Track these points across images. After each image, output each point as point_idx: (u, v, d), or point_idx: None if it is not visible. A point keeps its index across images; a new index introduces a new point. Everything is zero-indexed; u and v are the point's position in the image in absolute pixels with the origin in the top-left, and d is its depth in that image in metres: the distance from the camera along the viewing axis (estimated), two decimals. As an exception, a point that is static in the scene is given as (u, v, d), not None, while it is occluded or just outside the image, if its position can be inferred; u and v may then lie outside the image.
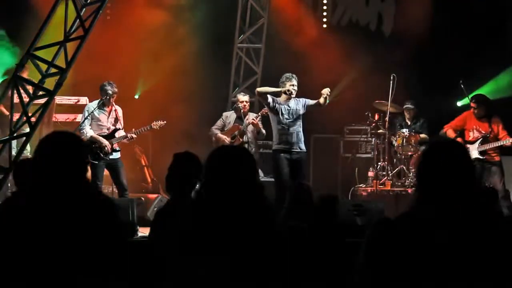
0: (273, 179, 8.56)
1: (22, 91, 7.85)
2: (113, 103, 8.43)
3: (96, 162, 8.14)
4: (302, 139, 8.20)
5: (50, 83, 7.94)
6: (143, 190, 10.31)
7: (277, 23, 11.57)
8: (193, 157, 4.12)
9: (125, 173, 8.41)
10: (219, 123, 9.34)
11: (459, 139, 8.61)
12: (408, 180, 9.86)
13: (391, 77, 9.67)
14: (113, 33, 10.46)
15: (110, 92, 8.27)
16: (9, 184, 7.86)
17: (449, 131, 8.94)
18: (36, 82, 7.92)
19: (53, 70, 7.89)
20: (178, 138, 9.73)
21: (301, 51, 10.97)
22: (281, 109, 8.14)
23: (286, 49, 11.11)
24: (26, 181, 4.50)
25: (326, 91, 8.07)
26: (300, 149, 8.16)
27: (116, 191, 8.55)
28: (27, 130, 7.86)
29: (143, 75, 11.34)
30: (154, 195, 9.61)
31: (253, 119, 8.92)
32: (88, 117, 8.32)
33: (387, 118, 9.89)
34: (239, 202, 2.61)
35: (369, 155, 10.70)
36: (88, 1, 7.85)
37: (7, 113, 8.17)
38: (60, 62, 7.90)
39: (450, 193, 2.34)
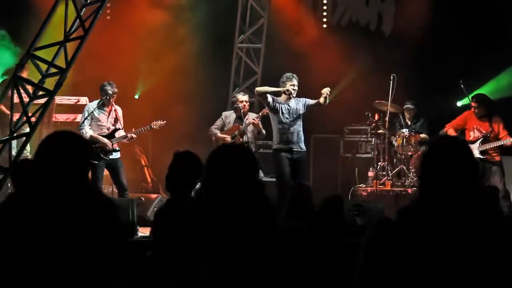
0: (273, 179, 8.57)
1: (22, 91, 7.85)
2: (113, 103, 8.43)
3: (96, 162, 8.14)
4: (303, 138, 8.22)
5: (50, 83, 7.94)
6: (143, 190, 10.31)
7: (277, 23, 11.57)
8: (193, 156, 4.11)
9: (125, 173, 8.41)
10: (218, 122, 9.33)
11: (460, 138, 8.57)
12: (408, 180, 9.86)
13: (391, 77, 9.67)
14: (113, 33, 10.46)
15: (110, 92, 8.27)
16: (9, 184, 7.86)
17: (450, 131, 8.93)
18: (36, 82, 7.92)
19: (53, 70, 7.89)
20: (178, 138, 9.73)
21: (301, 51, 10.97)
22: (281, 109, 8.15)
23: (286, 49, 11.11)
24: (25, 181, 4.50)
25: (326, 90, 8.08)
26: (301, 148, 8.18)
27: (116, 191, 8.55)
28: (27, 130, 7.86)
29: (143, 75, 11.34)
30: (154, 195, 9.61)
31: (253, 119, 8.92)
32: (88, 117, 8.32)
33: (387, 118, 9.89)
34: (239, 201, 2.61)
35: (369, 155, 10.70)
36: (88, 1, 7.85)
37: (8, 112, 8.17)
38: (60, 62, 7.90)
39: (451, 193, 2.34)
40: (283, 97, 8.22)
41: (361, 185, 10.11)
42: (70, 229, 2.65)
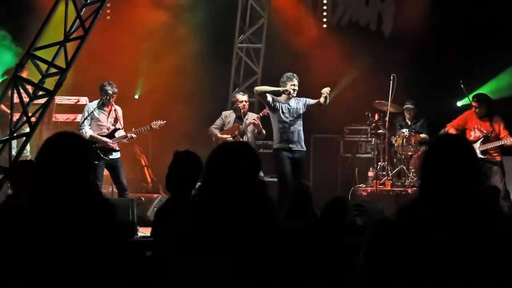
0: (273, 179, 8.56)
1: (22, 91, 7.85)
2: (113, 103, 8.43)
3: (96, 162, 8.14)
4: (303, 138, 8.24)
5: (50, 83, 7.94)
6: (143, 190, 10.31)
7: (277, 23, 11.57)
8: (193, 156, 4.11)
9: (125, 173, 8.40)
10: (218, 122, 9.33)
11: (462, 137, 8.56)
12: (408, 180, 9.86)
13: (391, 77, 9.67)
14: (113, 33, 10.47)
15: (110, 92, 8.27)
16: (9, 184, 7.86)
17: (451, 130, 8.94)
18: (36, 82, 7.92)
19: (53, 70, 7.90)
20: (178, 138, 9.73)
21: (301, 51, 10.97)
22: (281, 108, 8.15)
23: (286, 49, 11.11)
24: (24, 182, 4.50)
25: (326, 90, 8.09)
26: (302, 147, 8.20)
27: (116, 191, 8.55)
28: (27, 130, 7.86)
29: (143, 75, 11.34)
30: (154, 195, 9.61)
31: (254, 119, 8.92)
32: (88, 117, 8.32)
33: (387, 118, 9.90)
34: (240, 200, 2.61)
35: (369, 155, 10.70)
36: (88, 1, 7.85)
37: (8, 111, 8.17)
38: (60, 62, 7.91)
39: (451, 192, 2.34)
40: (283, 96, 8.23)
41: (361, 185, 10.11)
42: (70, 229, 2.65)
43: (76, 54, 7.83)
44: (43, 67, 7.88)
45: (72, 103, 9.97)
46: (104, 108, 8.40)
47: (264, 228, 2.60)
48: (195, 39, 10.96)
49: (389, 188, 9.85)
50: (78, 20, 7.82)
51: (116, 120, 8.45)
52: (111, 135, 8.35)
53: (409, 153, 9.96)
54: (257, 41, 11.94)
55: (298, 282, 2.70)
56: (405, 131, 9.83)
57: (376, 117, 10.24)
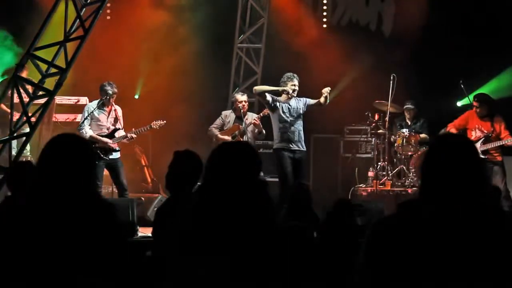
0: (273, 179, 8.57)
1: (22, 91, 7.85)
2: (113, 103, 8.42)
3: (96, 162, 8.14)
4: (303, 138, 8.24)
5: (50, 83, 7.94)
6: (143, 190, 10.30)
7: (277, 23, 11.57)
8: (193, 155, 4.11)
9: (125, 173, 8.40)
10: (218, 122, 9.33)
11: (464, 137, 8.56)
12: (408, 180, 9.86)
13: (391, 77, 9.67)
14: (113, 33, 10.47)
15: (110, 92, 8.26)
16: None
17: (451, 131, 8.95)
18: (36, 82, 7.92)
19: (53, 70, 7.90)
20: (178, 138, 9.73)
21: (301, 51, 10.97)
22: (282, 108, 8.16)
23: (286, 49, 11.11)
24: (22, 183, 4.50)
25: (326, 90, 8.10)
26: (302, 147, 8.20)
27: (116, 191, 8.55)
28: (27, 130, 7.86)
29: (143, 75, 11.34)
30: (154, 195, 9.60)
31: (254, 119, 8.92)
32: (88, 117, 8.32)
33: (387, 118, 9.90)
34: (240, 200, 2.61)
35: (369, 155, 10.70)
36: (88, 1, 7.86)
37: (8, 111, 8.18)
38: (60, 62, 7.91)
39: (452, 192, 2.33)
40: (284, 96, 8.23)
41: (361, 185, 10.11)
42: (70, 230, 2.65)
43: (76, 54, 7.83)
44: (43, 67, 7.88)
45: (72, 103, 9.97)
46: (104, 108, 8.39)
47: (264, 228, 2.60)
48: (195, 39, 10.96)
49: (389, 188, 9.85)
50: (78, 20, 7.82)
51: (116, 120, 8.45)
52: (111, 135, 8.35)
53: (409, 153, 9.96)
54: (257, 41, 11.94)
55: (298, 282, 2.70)
56: (405, 131, 9.82)
57: (376, 117, 10.24)
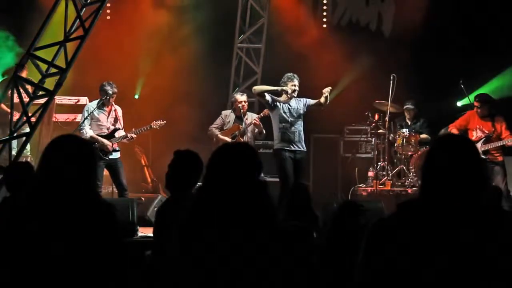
0: (273, 179, 8.56)
1: (22, 91, 7.86)
2: (113, 103, 8.42)
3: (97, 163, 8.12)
4: (303, 138, 8.24)
5: (50, 83, 7.94)
6: (143, 190, 10.30)
7: (277, 23, 11.57)
8: (194, 155, 4.10)
9: (124, 173, 8.39)
10: (218, 121, 9.34)
11: (465, 137, 8.59)
12: (408, 180, 9.87)
13: (391, 77, 9.68)
14: (113, 33, 10.47)
15: (110, 92, 8.26)
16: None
17: (453, 131, 8.97)
18: (36, 82, 7.93)
19: (53, 70, 7.91)
20: (178, 138, 9.73)
21: (301, 51, 10.97)
22: (282, 108, 8.15)
23: (286, 49, 11.11)
24: (20, 184, 4.50)
25: (327, 90, 8.09)
26: (303, 148, 8.20)
27: (116, 191, 8.55)
28: (27, 130, 7.86)
29: (143, 75, 11.34)
30: (154, 195, 9.60)
31: (255, 119, 8.92)
32: (88, 117, 8.31)
33: (387, 118, 9.90)
34: (240, 201, 2.61)
35: (369, 155, 10.70)
36: (88, 1, 7.86)
37: (8, 110, 8.18)
38: (60, 62, 7.91)
39: (452, 192, 2.34)
40: (284, 97, 8.23)
41: (361, 185, 10.11)
42: (69, 230, 2.66)
43: (76, 54, 7.84)
44: (43, 67, 7.88)
45: (72, 103, 9.97)
46: (104, 108, 8.39)
47: (264, 228, 2.60)
48: (195, 39, 10.96)
49: (389, 188, 9.85)
50: (78, 20, 7.82)
51: (116, 120, 8.45)
52: (111, 135, 8.34)
53: (409, 153, 9.96)
54: (257, 41, 11.94)
55: (298, 282, 2.70)
56: (405, 131, 9.83)
57: (376, 117, 10.24)
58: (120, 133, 8.42)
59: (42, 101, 8.03)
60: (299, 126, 8.19)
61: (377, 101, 10.24)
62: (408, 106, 10.15)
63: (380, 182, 9.91)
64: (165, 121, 8.69)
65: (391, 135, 10.05)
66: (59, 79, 7.86)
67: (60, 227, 2.65)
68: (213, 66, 11.08)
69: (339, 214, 4.67)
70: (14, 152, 7.97)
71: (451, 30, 11.02)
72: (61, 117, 9.84)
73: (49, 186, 2.71)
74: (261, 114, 8.85)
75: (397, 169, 10.15)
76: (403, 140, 9.79)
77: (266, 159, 9.03)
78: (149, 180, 10.63)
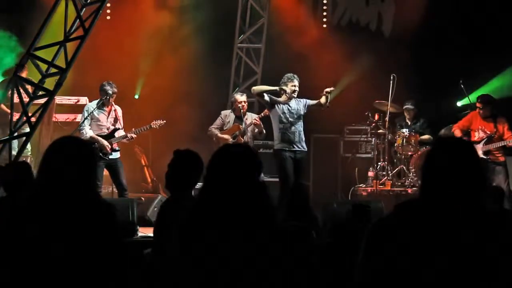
0: (273, 179, 8.56)
1: (22, 91, 7.86)
2: (113, 103, 8.42)
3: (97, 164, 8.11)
4: (304, 138, 8.23)
5: (50, 83, 7.94)
6: (143, 190, 10.30)
7: (277, 23, 11.57)
8: (194, 154, 4.09)
9: (124, 173, 8.39)
10: (218, 122, 9.33)
11: (464, 139, 8.64)
12: (408, 180, 9.87)
13: (391, 77, 9.68)
14: (113, 33, 10.47)
15: (109, 92, 8.26)
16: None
17: (456, 131, 9.01)
18: (36, 82, 7.93)
19: (53, 70, 7.91)
20: (178, 138, 9.72)
21: (301, 51, 10.97)
22: (282, 109, 8.15)
23: (286, 49, 11.11)
24: (18, 183, 4.49)
25: (327, 89, 8.09)
26: (303, 148, 8.19)
27: (116, 191, 8.55)
28: (27, 130, 7.86)
29: (143, 75, 11.34)
30: (154, 195, 9.60)
31: (255, 119, 8.92)
32: (88, 117, 8.31)
33: (387, 118, 9.90)
34: (240, 201, 2.61)
35: (369, 155, 10.70)
36: (88, 1, 7.86)
37: (8, 111, 8.18)
38: (60, 62, 7.91)
39: (451, 193, 2.34)
40: (284, 97, 8.22)
41: (361, 185, 10.11)
42: (69, 230, 2.66)
43: (76, 54, 7.84)
44: (43, 67, 7.88)
45: (72, 103, 9.97)
46: (104, 108, 8.39)
47: (264, 229, 2.60)
48: (195, 39, 10.96)
49: (389, 188, 9.85)
50: (78, 20, 7.82)
51: (116, 120, 8.44)
52: (111, 135, 8.34)
53: (409, 153, 9.96)
54: (257, 41, 11.94)
55: (298, 282, 2.70)
56: (405, 131, 9.83)
57: (376, 117, 10.24)
58: (120, 133, 8.42)
59: (42, 101, 8.02)
60: (299, 126, 8.18)
61: (377, 101, 10.24)
62: (408, 106, 10.15)
63: (380, 182, 9.91)
64: (165, 121, 8.68)
65: (391, 135, 10.06)
66: (59, 79, 7.86)
67: (60, 228, 2.65)
68: (213, 66, 11.08)
69: (351, 218, 4.67)
70: (14, 152, 7.97)
71: (451, 30, 11.02)
72: (61, 117, 9.84)
73: (49, 187, 2.72)
74: (262, 114, 8.85)
75: (397, 169, 10.15)
76: (403, 140, 9.79)
77: (266, 159, 9.06)
78: (149, 180, 10.63)
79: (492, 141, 8.69)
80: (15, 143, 8.26)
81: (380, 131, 10.19)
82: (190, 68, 10.82)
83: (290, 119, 8.13)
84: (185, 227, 2.65)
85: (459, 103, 10.61)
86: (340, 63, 10.90)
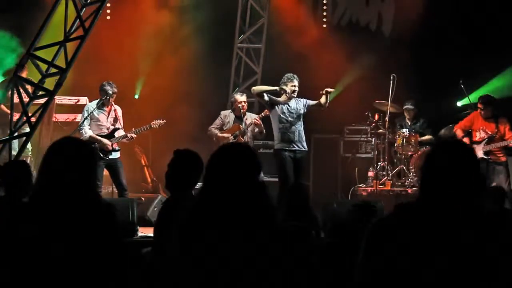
0: (273, 179, 8.56)
1: (22, 91, 7.86)
2: (113, 103, 8.42)
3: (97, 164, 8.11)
4: (304, 138, 8.23)
5: (50, 83, 7.94)
6: (143, 190, 10.30)
7: (277, 23, 11.57)
8: (193, 154, 4.09)
9: (124, 173, 8.39)
10: (217, 122, 9.34)
11: (466, 139, 8.73)
12: (408, 180, 9.87)
13: (391, 77, 9.68)
14: (113, 33, 10.47)
15: (109, 92, 8.26)
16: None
17: (458, 131, 9.04)
18: (36, 82, 7.93)
19: (53, 70, 7.91)
20: (178, 138, 9.72)
21: (301, 51, 10.97)
22: (281, 108, 8.15)
23: (286, 49, 11.11)
24: (16, 182, 4.49)
25: (330, 89, 8.11)
26: (303, 147, 8.19)
27: (116, 191, 8.55)
28: (27, 130, 7.86)
29: (143, 75, 11.34)
30: (154, 195, 9.60)
31: (256, 119, 8.93)
32: (88, 117, 8.31)
33: (387, 118, 9.90)
34: (240, 201, 2.61)
35: (369, 155, 10.70)
36: (88, 1, 7.86)
37: (8, 112, 8.18)
38: (60, 62, 7.91)
39: (450, 193, 2.34)
40: (283, 97, 8.22)
41: (361, 185, 10.11)
42: (69, 230, 2.66)
43: (76, 54, 7.84)
44: (43, 67, 7.88)
45: (72, 103, 9.97)
46: (104, 108, 8.39)
47: (264, 229, 2.60)
48: (195, 39, 10.96)
49: (389, 188, 9.85)
50: (78, 20, 7.82)
51: (115, 120, 8.44)
52: (110, 135, 8.34)
53: (409, 153, 9.96)
54: (257, 41, 11.94)
55: (298, 282, 2.70)
56: (405, 131, 9.83)
57: (376, 117, 10.24)
58: (119, 133, 8.42)
59: (42, 101, 8.02)
60: (299, 126, 8.18)
61: (377, 101, 10.24)
62: (408, 106, 10.15)
63: (380, 182, 9.91)
64: (164, 121, 8.69)
65: (391, 135, 10.06)
66: (59, 79, 7.86)
67: (60, 228, 2.66)
68: (213, 66, 11.08)
69: (357, 217, 4.67)
70: (14, 152, 7.97)
71: (451, 30, 11.02)
72: (61, 117, 9.84)
73: (50, 188, 2.72)
74: (262, 114, 8.85)
75: (397, 169, 10.15)
76: (403, 140, 9.79)
77: (266, 159, 9.07)
78: (149, 180, 10.63)
79: (493, 141, 8.72)
80: (15, 143, 8.25)
81: (380, 131, 10.19)
82: (190, 68, 10.82)
83: (290, 119, 8.14)
84: (185, 227, 2.65)
85: (459, 103, 10.61)
86: (340, 63, 10.90)
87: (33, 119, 7.80)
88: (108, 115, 8.40)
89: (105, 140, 8.23)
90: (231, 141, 8.93)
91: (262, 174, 2.76)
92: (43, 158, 2.80)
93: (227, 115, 9.33)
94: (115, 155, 8.36)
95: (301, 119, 8.23)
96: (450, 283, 2.27)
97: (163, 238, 3.91)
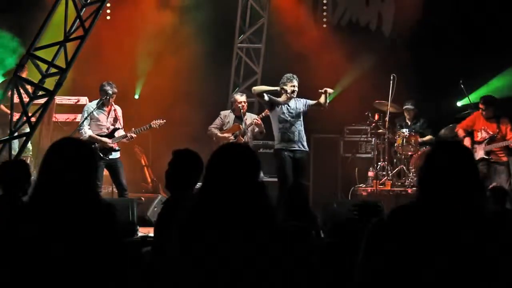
0: (273, 179, 8.56)
1: (22, 91, 7.86)
2: (113, 103, 8.42)
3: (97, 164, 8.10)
4: (304, 138, 8.22)
5: (50, 83, 7.94)
6: (143, 190, 10.30)
7: (277, 23, 11.57)
8: (193, 154, 4.09)
9: (124, 173, 8.39)
10: (217, 122, 9.34)
11: (467, 139, 8.75)
12: (408, 180, 9.87)
13: (391, 77, 9.68)
14: (113, 33, 10.47)
15: (109, 92, 8.26)
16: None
17: (459, 131, 9.07)
18: (36, 82, 7.93)
19: (53, 70, 7.91)
20: (178, 138, 9.72)
21: (301, 51, 10.97)
22: (281, 108, 8.15)
23: (286, 49, 11.10)
24: (14, 181, 4.49)
25: (330, 90, 8.11)
26: (304, 147, 8.18)
27: (116, 191, 8.55)
28: (27, 130, 7.86)
29: (143, 75, 11.34)
30: (154, 195, 9.60)
31: (256, 119, 8.93)
32: (88, 117, 8.31)
33: (387, 118, 9.90)
34: (240, 202, 2.61)
35: (369, 155, 10.70)
36: (88, 1, 7.86)
37: (8, 112, 8.18)
38: (60, 62, 7.91)
39: (450, 194, 2.34)
40: (283, 97, 8.22)
41: (361, 185, 10.11)
42: (69, 230, 2.66)
43: (76, 54, 7.84)
44: (43, 67, 7.88)
45: (72, 103, 9.97)
46: (104, 108, 8.39)
47: (264, 229, 2.60)
48: (195, 39, 10.95)
49: (389, 188, 9.85)
50: (78, 20, 7.82)
51: (115, 120, 8.45)
52: (110, 135, 8.34)
53: (409, 153, 9.96)
54: (257, 41, 11.94)
55: (298, 282, 2.70)
56: (405, 131, 9.83)
57: (376, 117, 10.24)
58: (119, 133, 8.42)
59: (42, 101, 8.02)
60: (299, 126, 8.18)
61: (377, 101, 10.24)
62: (408, 106, 10.15)
63: (380, 182, 9.91)
64: (164, 120, 8.69)
65: (391, 135, 10.06)
66: (59, 79, 7.86)
67: (60, 228, 2.66)
68: (213, 66, 11.07)
69: (361, 217, 4.67)
70: (14, 153, 7.97)
71: (451, 30, 11.02)
72: (61, 117, 9.84)
73: (50, 188, 2.72)
74: (262, 114, 8.85)
75: (397, 169, 10.15)
76: (403, 140, 9.80)
77: (266, 159, 9.08)
78: (149, 180, 10.63)
79: (494, 141, 8.74)
80: (15, 143, 8.25)
81: (380, 131, 10.19)
82: (190, 68, 10.81)
83: (289, 119, 8.14)
84: (185, 227, 2.65)
85: (459, 103, 10.61)
86: (340, 63, 10.90)
87: (33, 119, 7.80)
88: (108, 115, 8.40)
89: (104, 139, 8.23)
90: (231, 141, 8.93)
91: (262, 174, 2.76)
92: (43, 158, 2.80)
93: (227, 115, 9.33)
94: (115, 155, 8.37)
95: (301, 119, 8.22)
96: (450, 283, 2.27)
97: (163, 238, 3.91)
